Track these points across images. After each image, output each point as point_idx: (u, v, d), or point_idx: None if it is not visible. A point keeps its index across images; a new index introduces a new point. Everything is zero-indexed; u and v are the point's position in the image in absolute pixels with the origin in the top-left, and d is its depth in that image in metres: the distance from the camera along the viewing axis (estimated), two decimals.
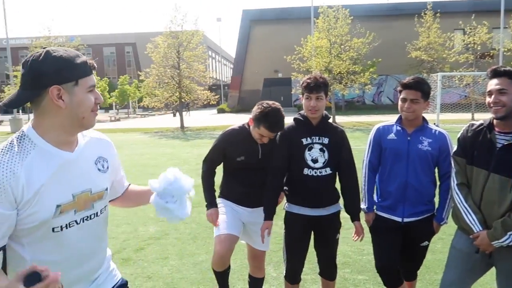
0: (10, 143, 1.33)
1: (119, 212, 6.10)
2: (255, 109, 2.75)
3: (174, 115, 37.04)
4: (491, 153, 2.24)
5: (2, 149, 1.31)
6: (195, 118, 33.07)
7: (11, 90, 24.38)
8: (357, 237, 2.84)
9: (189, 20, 30.22)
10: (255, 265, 3.12)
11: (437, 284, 3.10)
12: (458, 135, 2.46)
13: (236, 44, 39.69)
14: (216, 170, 3.06)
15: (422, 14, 27.00)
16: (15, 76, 25.17)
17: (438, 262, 3.92)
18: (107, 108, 47.55)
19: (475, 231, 2.27)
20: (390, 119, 2.90)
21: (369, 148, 2.85)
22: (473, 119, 21.36)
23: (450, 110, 22.08)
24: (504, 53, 23.66)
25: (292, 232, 2.84)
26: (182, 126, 22.88)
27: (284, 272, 2.94)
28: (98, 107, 1.45)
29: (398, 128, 2.74)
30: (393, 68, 33.70)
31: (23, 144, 1.33)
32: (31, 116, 1.44)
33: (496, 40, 24.91)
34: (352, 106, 36.03)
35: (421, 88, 2.62)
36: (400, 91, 2.71)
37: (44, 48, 1.36)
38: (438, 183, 2.75)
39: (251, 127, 2.82)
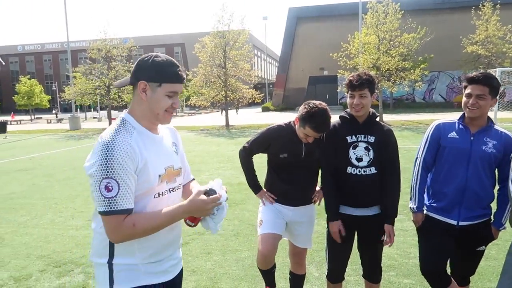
0: (117, 127, 1.60)
1: None
2: (302, 109, 2.72)
3: (222, 113, 37.74)
4: None
5: (114, 130, 1.57)
6: (240, 116, 33.44)
7: (70, 90, 25.95)
8: (388, 242, 2.67)
9: (236, 20, 30.47)
10: (296, 261, 3.11)
11: None
12: None
13: (281, 42, 39.60)
14: (261, 168, 3.08)
15: (480, 6, 25.44)
16: (74, 77, 26.77)
17: (492, 269, 3.69)
18: None
19: None
20: (442, 117, 2.74)
21: (425, 145, 2.68)
22: None
23: (509, 108, 20.66)
24: None
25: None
26: (227, 124, 23.23)
27: (326, 271, 2.90)
28: (176, 111, 1.66)
29: (461, 126, 2.56)
30: (446, 64, 32.11)
31: (126, 126, 1.62)
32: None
33: None
34: (401, 104, 34.72)
35: (489, 83, 2.42)
36: (465, 87, 2.51)
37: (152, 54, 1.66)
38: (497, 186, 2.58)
39: (296, 126, 2.80)
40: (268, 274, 3.02)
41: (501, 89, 23.02)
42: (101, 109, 44.19)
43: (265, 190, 3.02)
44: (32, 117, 47.96)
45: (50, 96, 51.14)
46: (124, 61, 26.58)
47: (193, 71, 24.37)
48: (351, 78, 2.62)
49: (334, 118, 2.79)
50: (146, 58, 1.63)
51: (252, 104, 33.15)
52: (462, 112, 2.57)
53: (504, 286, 2.34)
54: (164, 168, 1.67)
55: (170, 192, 1.72)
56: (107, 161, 1.47)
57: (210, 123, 26.42)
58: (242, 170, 3.10)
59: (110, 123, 25.89)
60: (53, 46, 66.33)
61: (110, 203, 1.48)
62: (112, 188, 1.48)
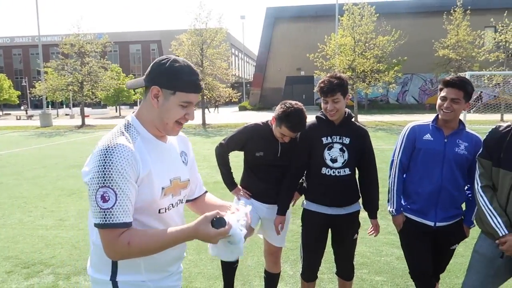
0: (120, 130, 1.47)
1: None
2: (278, 108, 2.74)
3: (210, 111, 37.60)
4: None
5: (115, 133, 1.45)
6: (217, 115, 33.30)
7: (41, 86, 25.17)
8: (373, 232, 2.85)
9: (213, 18, 30.23)
10: (271, 260, 3.13)
11: None
12: (485, 137, 2.37)
13: (259, 42, 39.66)
14: (238, 167, 3.08)
15: (451, 11, 26.25)
16: (46, 72, 25.97)
17: (459, 265, 3.82)
18: (132, 104, 48.53)
19: (500, 235, 2.19)
20: (414, 118, 2.81)
21: (400, 148, 2.73)
22: (502, 120, 20.66)
23: (478, 111, 21.41)
24: None
25: (309, 230, 2.82)
26: (203, 123, 23.09)
27: (301, 270, 2.93)
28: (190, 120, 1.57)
29: (435, 129, 2.62)
30: (419, 66, 32.96)
31: (130, 131, 1.49)
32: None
33: None
34: (376, 105, 35.43)
35: (464, 88, 2.49)
36: (441, 89, 2.57)
37: (173, 56, 1.53)
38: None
39: (273, 125, 2.82)
40: (229, 271, 3.11)
41: (478, 92, 23.77)
42: (74, 106, 43.04)
43: (240, 187, 3.04)
44: (0, 113, 46.27)
45: (19, 92, 49.44)
46: (98, 57, 26.00)
47: None
48: (322, 84, 2.63)
49: (311, 118, 2.82)
50: (163, 61, 1.49)
51: (229, 103, 33.07)
52: (436, 114, 2.64)
53: (470, 281, 2.43)
54: (170, 180, 1.54)
55: (175, 206, 1.60)
56: (105, 168, 1.34)
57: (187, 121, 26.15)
58: (218, 168, 3.10)
59: (83, 121, 25.29)
60: (23, 40, 64.03)
61: (106, 215, 1.34)
62: (109, 199, 1.34)
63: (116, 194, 1.35)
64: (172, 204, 1.57)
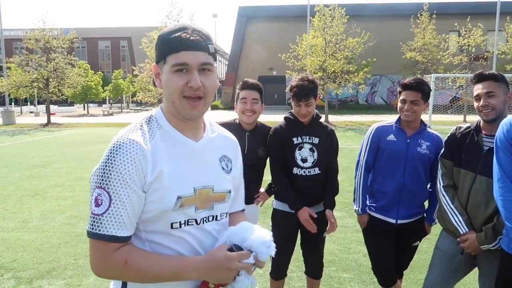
0: (140, 123, 1.25)
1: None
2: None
3: None
4: (478, 155, 2.25)
5: (132, 127, 1.23)
6: None
7: (4, 82, 24.10)
8: (330, 229, 2.76)
9: (185, 16, 29.88)
10: None
11: (421, 284, 3.12)
12: (446, 138, 2.46)
13: (231, 41, 39.54)
14: None
15: (418, 15, 27.11)
16: (9, 68, 24.89)
17: (423, 261, 3.95)
18: (101, 102, 47.29)
19: (461, 232, 2.28)
20: (383, 119, 2.89)
21: (366, 148, 2.79)
22: (465, 121, 21.53)
23: (442, 112, 22.22)
24: (498, 55, 23.85)
25: (279, 230, 2.84)
26: None
27: (270, 269, 2.94)
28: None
29: (397, 129, 2.71)
30: (387, 68, 33.81)
31: (151, 125, 1.24)
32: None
33: (491, 43, 25.11)
34: (346, 105, 36.10)
35: (422, 89, 2.59)
36: (400, 92, 2.66)
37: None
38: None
39: (237, 106, 2.83)
40: None
41: (454, 93, 24.61)
42: (39, 103, 41.51)
43: None
44: None
45: None
46: (65, 53, 25.15)
47: (140, 66, 23.63)
48: (295, 89, 2.66)
49: (280, 119, 2.86)
50: None
51: None
52: (398, 115, 2.72)
53: (432, 277, 2.53)
54: (194, 188, 1.23)
55: (200, 223, 1.26)
56: (105, 166, 1.13)
57: None
58: None
59: (48, 119, 24.41)
60: None
61: (94, 221, 1.13)
62: (101, 203, 1.12)
63: (111, 199, 1.12)
64: (196, 220, 1.25)
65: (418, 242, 2.83)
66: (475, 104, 2.28)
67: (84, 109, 41.10)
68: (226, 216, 1.37)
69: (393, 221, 2.71)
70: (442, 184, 2.43)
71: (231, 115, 3.00)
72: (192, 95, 1.18)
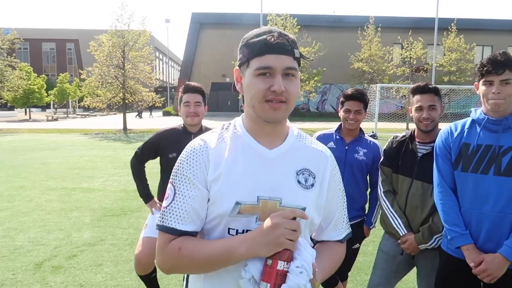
0: (220, 127, 1.28)
1: (51, 217, 5.76)
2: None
3: (140, 116, 36.11)
4: (413, 161, 2.42)
5: (210, 131, 1.29)
6: (139, 120, 32.13)
7: None
8: None
9: (136, 20, 29.37)
10: None
11: (366, 285, 3.26)
12: (384, 147, 2.62)
13: (184, 46, 39.18)
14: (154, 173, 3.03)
15: (365, 27, 28.47)
16: None
17: (368, 263, 4.12)
18: (44, 107, 44.85)
19: (401, 234, 2.43)
20: (332, 126, 3.02)
21: None
22: (407, 128, 22.80)
23: (387, 120, 23.41)
24: (436, 68, 25.59)
25: None
26: (125, 128, 22.13)
27: None
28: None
29: (337, 137, 2.86)
30: (336, 77, 35.07)
31: (229, 128, 1.26)
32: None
33: (430, 56, 26.85)
34: (297, 113, 36.94)
35: (363, 99, 2.77)
36: (343, 102, 2.81)
37: None
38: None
39: (180, 109, 2.89)
40: (149, 281, 3.06)
41: (444, 103, 25.96)
42: None
43: (156, 200, 3.07)
44: None
45: None
46: (4, 55, 23.67)
47: (87, 70, 22.72)
48: None
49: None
50: None
51: (152, 108, 32.09)
52: (339, 123, 2.88)
53: (375, 277, 2.66)
54: (258, 197, 1.15)
55: None
56: (177, 164, 1.21)
57: (107, 126, 24.86)
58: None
59: None
60: None
61: (161, 214, 1.18)
62: (168, 196, 1.18)
63: (175, 193, 1.17)
64: None
65: (358, 244, 2.95)
66: (415, 114, 2.41)
67: (26, 114, 38.74)
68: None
69: None
70: (382, 190, 2.58)
71: (182, 121, 2.99)
72: (274, 99, 1.12)
